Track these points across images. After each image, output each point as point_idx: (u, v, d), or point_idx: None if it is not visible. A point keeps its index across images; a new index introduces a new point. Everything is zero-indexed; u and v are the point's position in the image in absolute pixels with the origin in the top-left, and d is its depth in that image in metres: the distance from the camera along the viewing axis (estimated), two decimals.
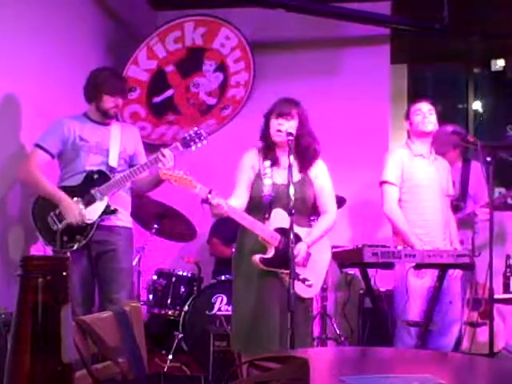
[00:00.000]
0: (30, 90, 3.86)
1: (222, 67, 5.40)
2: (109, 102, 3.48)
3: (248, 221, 3.06)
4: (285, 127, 3.10)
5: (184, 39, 5.43)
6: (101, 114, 3.52)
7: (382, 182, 3.78)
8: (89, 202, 3.38)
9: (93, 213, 3.38)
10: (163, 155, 3.32)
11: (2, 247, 3.67)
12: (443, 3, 4.87)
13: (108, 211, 3.41)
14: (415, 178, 3.74)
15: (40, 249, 3.55)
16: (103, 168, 3.45)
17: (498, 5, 5.08)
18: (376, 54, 5.38)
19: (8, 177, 3.72)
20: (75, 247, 3.35)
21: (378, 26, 5.28)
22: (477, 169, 4.46)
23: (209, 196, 2.90)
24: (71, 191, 3.40)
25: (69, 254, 3.28)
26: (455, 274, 3.75)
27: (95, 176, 3.43)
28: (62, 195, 3.38)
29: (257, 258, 3.04)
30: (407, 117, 3.87)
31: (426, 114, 3.76)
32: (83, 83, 3.58)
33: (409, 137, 3.91)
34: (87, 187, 3.40)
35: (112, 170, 3.47)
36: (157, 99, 5.45)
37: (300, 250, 3.07)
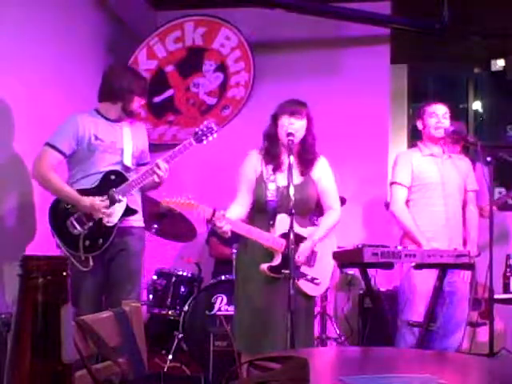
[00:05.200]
0: (30, 91, 3.86)
1: (222, 67, 5.40)
2: (137, 103, 3.47)
3: (254, 233, 3.08)
4: (296, 126, 3.11)
5: (184, 39, 5.44)
6: (122, 114, 3.44)
7: (392, 183, 3.83)
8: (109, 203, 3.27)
9: (113, 215, 3.28)
10: (158, 167, 3.28)
11: (1, 248, 3.67)
12: (443, 3, 4.87)
13: (129, 212, 3.35)
14: (424, 178, 3.76)
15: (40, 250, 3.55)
16: (119, 168, 3.36)
17: (497, 5, 5.08)
18: (376, 54, 5.37)
19: (6, 179, 3.71)
20: (98, 252, 3.26)
21: (378, 26, 5.28)
22: (479, 170, 4.46)
23: (213, 218, 2.93)
24: (87, 194, 3.27)
25: (91, 260, 3.23)
26: (466, 277, 3.74)
27: (112, 177, 3.33)
28: (80, 197, 3.25)
29: (265, 266, 3.06)
30: (420, 116, 3.83)
31: (441, 118, 3.73)
32: (83, 83, 3.58)
33: (421, 137, 3.87)
34: (105, 189, 3.28)
35: (127, 169, 3.40)
36: (157, 99, 5.45)
37: (302, 250, 3.09)
